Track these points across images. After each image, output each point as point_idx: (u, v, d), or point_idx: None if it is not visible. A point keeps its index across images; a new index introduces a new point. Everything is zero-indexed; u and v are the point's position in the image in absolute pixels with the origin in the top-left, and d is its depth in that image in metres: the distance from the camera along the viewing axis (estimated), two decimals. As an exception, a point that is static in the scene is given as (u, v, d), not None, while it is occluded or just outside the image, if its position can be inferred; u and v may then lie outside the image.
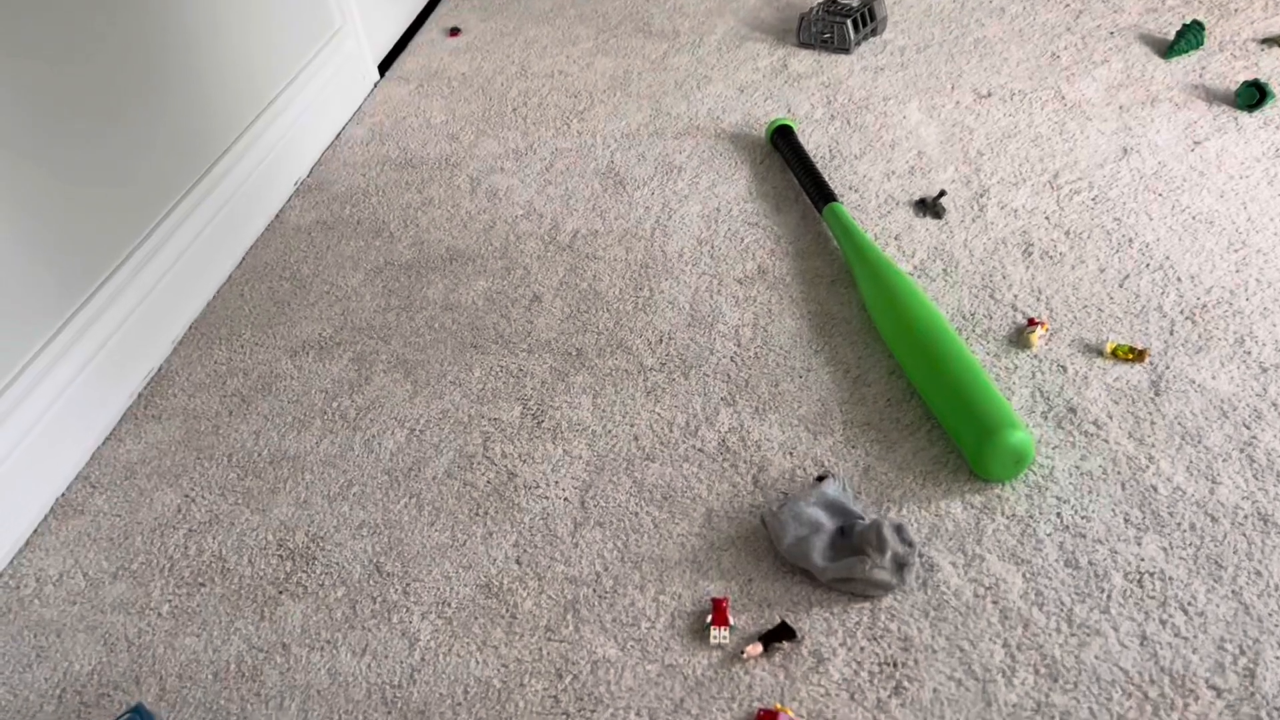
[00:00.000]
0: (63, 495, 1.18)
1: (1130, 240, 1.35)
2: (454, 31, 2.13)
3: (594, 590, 1.00)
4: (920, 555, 0.98)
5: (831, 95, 1.76)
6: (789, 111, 1.73)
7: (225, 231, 1.50)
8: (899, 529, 0.97)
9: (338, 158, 1.76)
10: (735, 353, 1.26)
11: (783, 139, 1.59)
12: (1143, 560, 0.96)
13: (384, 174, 1.70)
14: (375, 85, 1.97)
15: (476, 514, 1.09)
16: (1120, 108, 1.62)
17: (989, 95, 1.70)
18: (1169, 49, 1.74)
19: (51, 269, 1.19)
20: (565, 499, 1.10)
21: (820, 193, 1.45)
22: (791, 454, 1.11)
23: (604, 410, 1.20)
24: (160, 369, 1.35)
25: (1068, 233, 1.38)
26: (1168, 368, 1.16)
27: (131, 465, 1.21)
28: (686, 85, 1.85)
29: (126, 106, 1.32)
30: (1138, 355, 1.17)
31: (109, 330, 1.27)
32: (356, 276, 1.47)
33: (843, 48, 1.88)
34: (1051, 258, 1.34)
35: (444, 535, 1.08)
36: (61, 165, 1.20)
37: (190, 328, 1.41)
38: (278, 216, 1.62)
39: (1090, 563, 0.96)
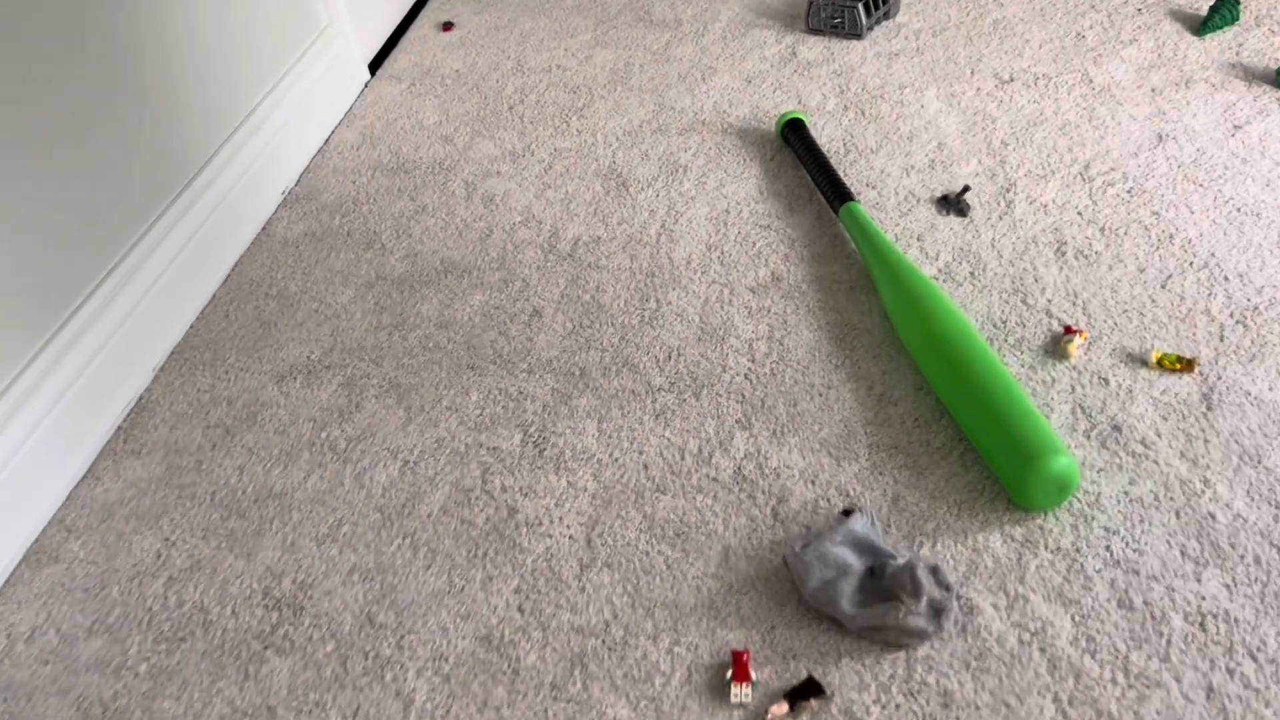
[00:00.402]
0: (36, 542, 1.10)
1: (1171, 236, 1.26)
2: (447, 26, 2.04)
3: (603, 641, 0.92)
4: (958, 597, 0.90)
5: (844, 84, 1.66)
6: (800, 103, 1.63)
7: (209, 247, 1.42)
8: (934, 570, 0.89)
9: (327, 164, 1.68)
10: (749, 369, 1.17)
11: (794, 133, 1.50)
12: (1204, 599, 0.87)
13: (375, 180, 1.62)
14: (366, 85, 1.89)
15: (475, 556, 1.02)
16: (1152, 90, 1.53)
17: (1011, 80, 1.61)
18: (1202, 25, 1.64)
19: (20, 295, 1.11)
20: (570, 537, 1.02)
21: (836, 191, 1.36)
22: (813, 483, 1.03)
23: (610, 436, 1.12)
24: (141, 399, 1.27)
25: (1103, 229, 1.28)
26: (1219, 378, 1.07)
27: (110, 506, 1.13)
28: (690, 77, 1.76)
29: (99, 116, 1.23)
30: (1186, 365, 1.08)
31: (85, 358, 1.19)
32: (347, 293, 1.39)
33: (854, 33, 1.78)
34: (1086, 257, 1.25)
35: (440, 580, 1.00)
36: (28, 181, 1.12)
37: (172, 353, 1.33)
38: (264, 229, 1.54)
39: (1145, 603, 0.88)
